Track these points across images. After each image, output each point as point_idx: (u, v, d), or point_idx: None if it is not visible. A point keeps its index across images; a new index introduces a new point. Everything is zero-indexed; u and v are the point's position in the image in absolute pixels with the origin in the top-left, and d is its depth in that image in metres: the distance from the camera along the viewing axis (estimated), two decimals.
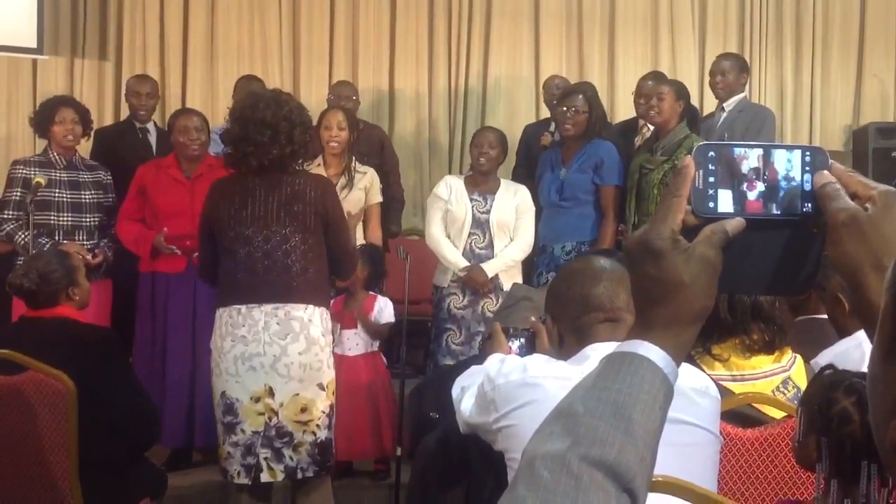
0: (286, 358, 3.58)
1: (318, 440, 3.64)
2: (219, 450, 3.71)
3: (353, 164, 5.16)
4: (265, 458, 3.58)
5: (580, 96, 5.21)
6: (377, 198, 5.22)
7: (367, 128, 6.05)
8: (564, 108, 5.18)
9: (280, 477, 3.62)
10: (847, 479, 1.74)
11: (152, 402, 3.68)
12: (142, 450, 3.56)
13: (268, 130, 3.62)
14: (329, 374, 3.71)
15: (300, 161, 3.81)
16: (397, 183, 5.91)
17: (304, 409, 3.61)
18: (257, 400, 3.58)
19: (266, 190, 3.65)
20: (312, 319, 3.65)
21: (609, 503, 0.83)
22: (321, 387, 3.65)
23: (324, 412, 3.66)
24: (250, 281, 3.62)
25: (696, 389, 2.01)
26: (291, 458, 3.60)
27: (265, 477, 3.60)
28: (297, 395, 3.60)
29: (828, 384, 1.84)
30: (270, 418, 3.58)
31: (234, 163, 3.72)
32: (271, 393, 3.58)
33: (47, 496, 3.22)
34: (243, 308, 3.61)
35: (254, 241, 3.63)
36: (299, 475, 3.63)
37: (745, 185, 0.94)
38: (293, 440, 3.60)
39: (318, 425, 3.63)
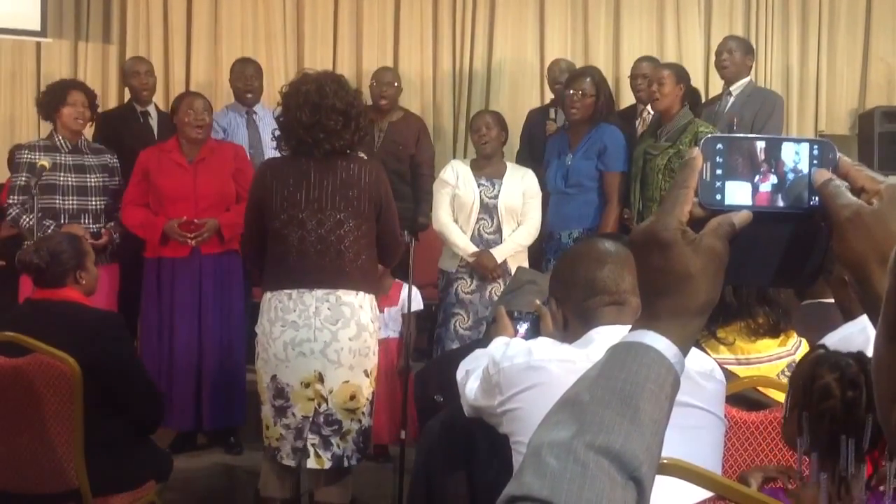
0: (337, 344, 3.57)
1: (363, 427, 3.65)
2: (268, 431, 3.68)
3: None
4: (313, 445, 3.58)
5: (588, 79, 5.19)
6: None
7: (406, 116, 6.04)
8: (572, 92, 5.17)
9: (327, 465, 3.60)
10: (825, 452, 1.77)
11: (155, 385, 3.69)
12: (147, 432, 3.57)
13: (340, 117, 3.60)
14: (373, 361, 3.71)
15: (360, 147, 3.81)
16: (430, 175, 5.82)
17: (352, 397, 3.60)
18: (307, 385, 3.57)
19: (320, 173, 3.62)
20: (363, 306, 3.64)
21: (615, 490, 0.83)
22: (366, 373, 3.66)
23: (368, 399, 3.67)
24: (302, 265, 3.59)
25: (701, 373, 2.01)
26: (339, 447, 3.60)
27: (311, 463, 3.59)
28: (347, 381, 3.59)
29: (814, 361, 1.88)
30: (320, 404, 3.57)
31: (299, 148, 3.65)
32: (321, 379, 3.57)
33: (53, 478, 3.23)
34: (294, 293, 3.59)
35: (307, 225, 3.60)
36: (345, 463, 3.63)
37: (752, 177, 0.94)
38: (342, 428, 3.59)
39: (363, 413, 3.64)
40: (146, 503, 3.51)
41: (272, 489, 3.71)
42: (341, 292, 3.60)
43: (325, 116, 3.58)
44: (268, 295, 3.66)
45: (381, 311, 4.73)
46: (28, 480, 3.26)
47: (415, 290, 4.77)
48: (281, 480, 3.71)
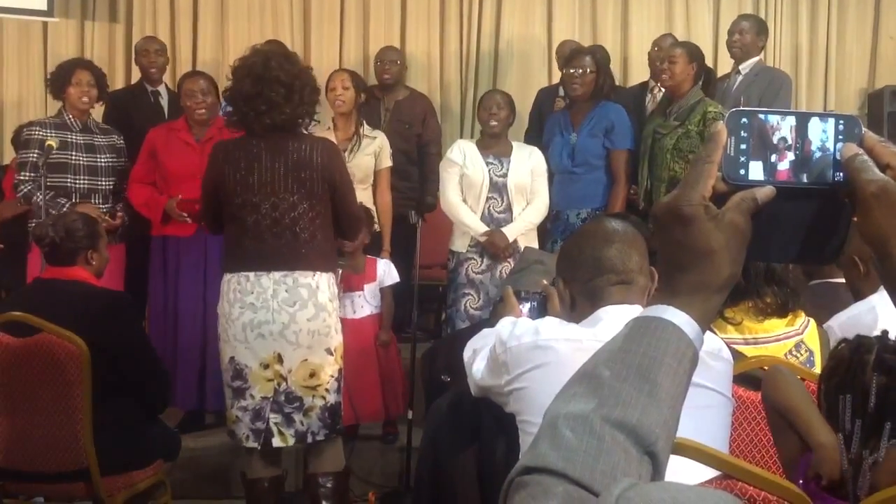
0: (295, 325, 3.58)
1: (328, 404, 3.65)
2: (227, 413, 3.72)
3: (363, 128, 5.15)
4: (276, 424, 3.60)
5: (588, 57, 5.17)
6: (387, 162, 5.21)
7: (413, 96, 6.03)
8: (572, 70, 5.16)
9: (291, 442, 3.64)
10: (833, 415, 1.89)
11: (164, 365, 3.70)
12: (155, 412, 3.59)
13: (282, 89, 3.59)
14: (337, 339, 3.71)
15: (307, 122, 3.80)
16: (437, 154, 5.77)
17: (312, 374, 3.62)
18: (266, 366, 3.59)
19: (272, 155, 3.62)
20: (320, 286, 3.65)
21: (630, 465, 0.82)
22: (329, 351, 3.66)
23: (332, 376, 3.67)
24: (258, 248, 3.61)
25: (709, 352, 2.01)
26: (302, 423, 3.62)
27: (276, 442, 3.61)
28: (306, 360, 3.61)
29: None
30: (279, 384, 3.59)
31: (243, 122, 3.66)
32: (280, 359, 3.59)
33: (62, 457, 3.25)
34: (251, 275, 3.61)
35: (261, 209, 3.60)
36: (310, 439, 3.65)
37: (776, 153, 0.92)
38: (303, 405, 3.61)
39: (327, 389, 3.64)
40: (154, 482, 3.53)
41: (257, 470, 3.73)
42: (298, 274, 3.61)
43: (268, 88, 3.57)
44: (227, 276, 3.68)
45: (361, 289, 4.74)
46: (37, 459, 3.27)
47: (391, 264, 4.83)
48: (264, 460, 3.73)
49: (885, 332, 1.88)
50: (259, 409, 3.60)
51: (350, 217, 3.83)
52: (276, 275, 3.60)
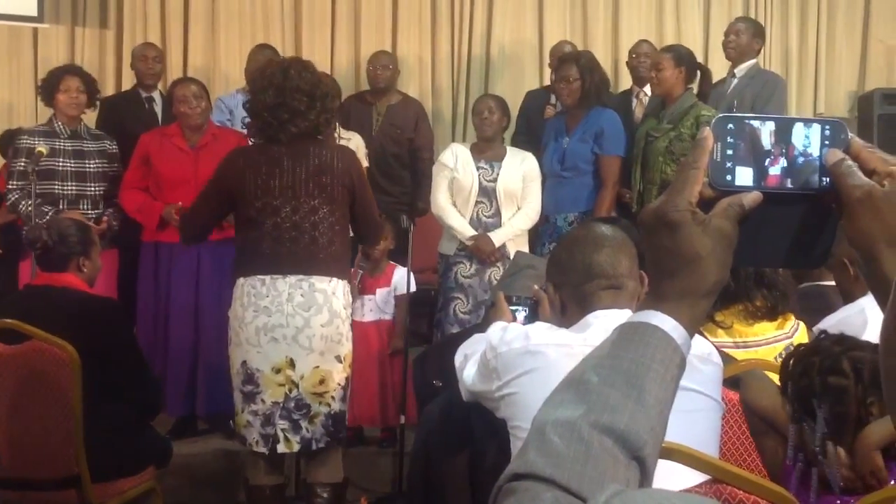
0: (309, 330, 3.57)
1: (333, 412, 3.65)
2: (237, 418, 3.70)
3: (338, 130, 5.16)
4: (283, 430, 3.59)
5: (572, 65, 5.18)
6: (362, 163, 5.23)
7: (405, 100, 6.04)
8: (559, 80, 5.19)
9: (296, 448, 3.62)
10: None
11: (154, 372, 3.69)
12: (147, 418, 3.58)
13: (304, 97, 3.62)
14: (347, 347, 3.71)
15: (329, 129, 3.82)
16: (429, 159, 5.78)
17: (322, 381, 3.61)
18: (278, 371, 3.57)
19: (293, 160, 3.62)
20: (336, 292, 3.64)
21: (618, 470, 0.83)
22: (339, 359, 3.66)
23: (339, 384, 3.66)
24: (276, 251, 3.60)
25: (699, 356, 2.01)
26: (307, 430, 3.60)
27: (282, 448, 3.60)
28: (318, 367, 3.60)
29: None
30: (291, 390, 3.58)
31: (266, 132, 3.65)
32: (292, 364, 3.57)
33: (53, 465, 3.24)
34: (267, 279, 3.59)
35: (282, 212, 3.60)
36: (313, 446, 3.64)
37: (763, 158, 0.93)
38: (310, 412, 3.60)
39: (333, 397, 3.64)
40: (146, 489, 3.52)
41: (260, 477, 3.72)
42: (315, 279, 3.61)
43: (290, 97, 3.60)
44: (241, 280, 3.67)
45: (373, 292, 4.76)
46: (28, 466, 3.26)
47: (409, 273, 4.80)
48: (267, 467, 3.72)
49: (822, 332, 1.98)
50: (269, 415, 3.59)
51: (371, 221, 3.86)
52: (292, 279, 3.59)
